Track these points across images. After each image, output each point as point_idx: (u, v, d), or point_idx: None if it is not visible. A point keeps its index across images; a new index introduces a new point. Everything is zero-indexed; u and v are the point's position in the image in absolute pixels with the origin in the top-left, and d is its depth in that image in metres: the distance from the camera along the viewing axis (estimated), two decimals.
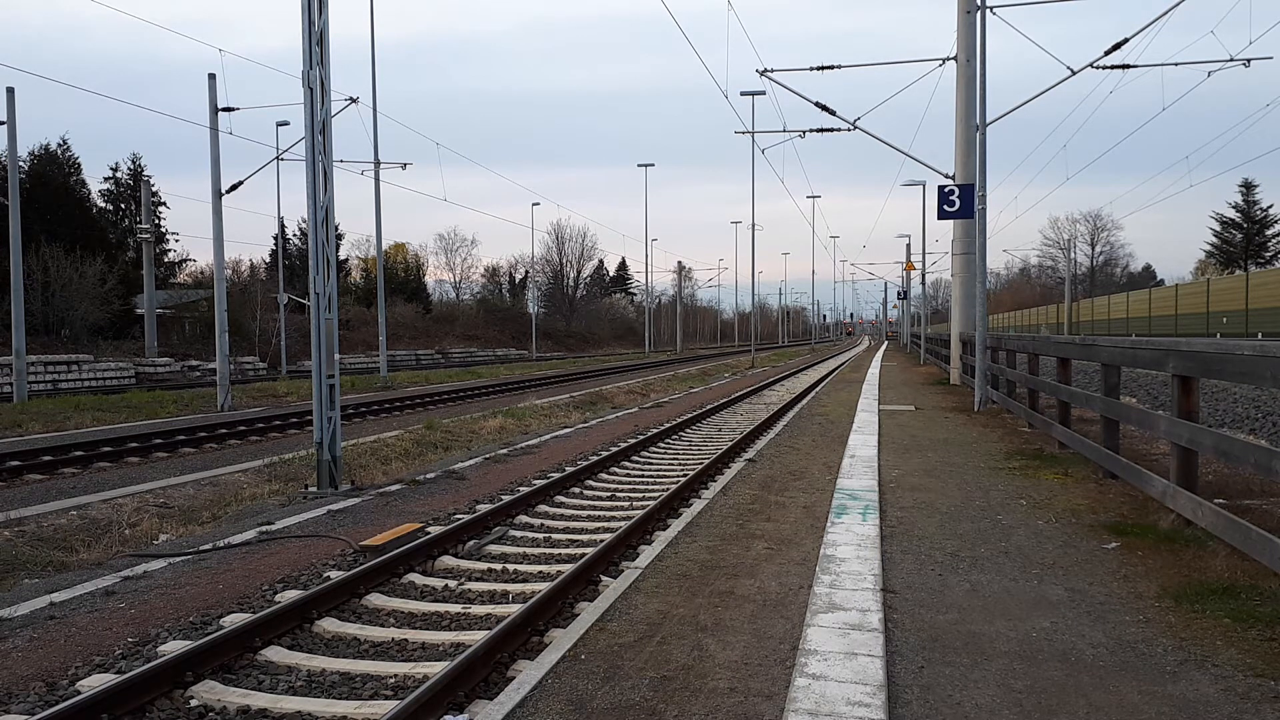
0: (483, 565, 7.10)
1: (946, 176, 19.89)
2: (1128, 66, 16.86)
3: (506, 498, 9.51)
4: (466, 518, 8.36)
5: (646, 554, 5.90)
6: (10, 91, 23.76)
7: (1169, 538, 5.90)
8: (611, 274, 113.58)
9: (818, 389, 23.05)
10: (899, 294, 59.57)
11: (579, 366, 45.83)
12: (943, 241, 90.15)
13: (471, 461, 12.23)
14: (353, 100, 27.52)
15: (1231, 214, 70.08)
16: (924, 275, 47.85)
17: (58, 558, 7.70)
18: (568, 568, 6.60)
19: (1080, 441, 8.80)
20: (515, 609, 5.64)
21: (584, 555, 6.96)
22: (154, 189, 46.41)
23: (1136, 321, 44.73)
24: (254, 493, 10.64)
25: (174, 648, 5.12)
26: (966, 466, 9.20)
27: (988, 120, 15.13)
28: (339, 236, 60.36)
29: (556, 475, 10.62)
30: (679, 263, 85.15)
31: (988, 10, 15.07)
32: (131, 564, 6.96)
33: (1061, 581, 5.11)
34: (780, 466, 9.42)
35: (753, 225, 43.44)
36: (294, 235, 59.32)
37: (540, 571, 6.93)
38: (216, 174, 21.32)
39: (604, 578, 6.50)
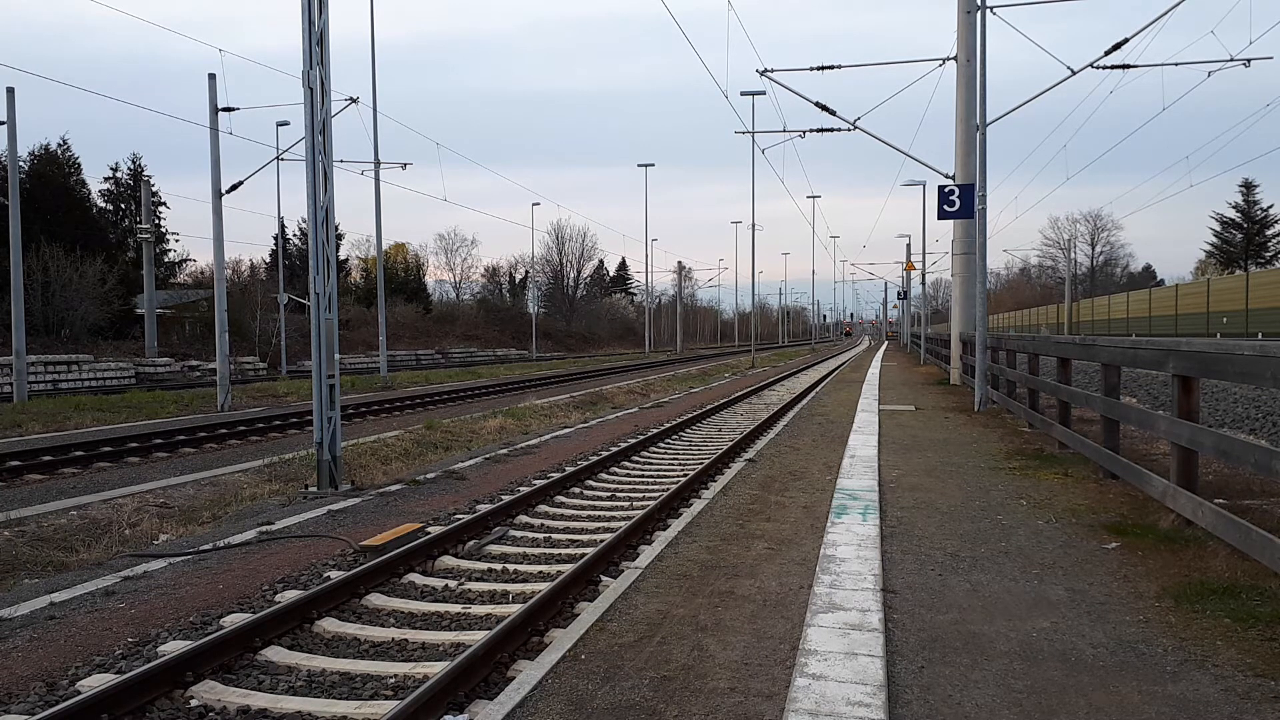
0: (483, 565, 7.10)
1: (946, 176, 19.89)
2: (1128, 66, 16.86)
3: (506, 498, 9.50)
4: (466, 518, 8.36)
5: (646, 554, 5.90)
6: (10, 91, 23.75)
7: (1169, 538, 5.90)
8: (611, 274, 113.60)
9: (818, 389, 23.04)
10: (899, 294, 59.64)
11: (579, 366, 45.82)
12: (943, 241, 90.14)
13: (471, 461, 12.23)
14: (353, 100, 27.54)
15: (1231, 214, 70.13)
16: (924, 275, 47.87)
17: (58, 558, 7.70)
18: (568, 568, 6.59)
19: (1080, 441, 8.80)
20: (515, 609, 5.64)
21: (584, 555, 6.96)
22: (154, 189, 46.44)
23: (1136, 321, 44.73)
24: (254, 493, 10.64)
25: (174, 648, 5.12)
26: (966, 466, 9.20)
27: (988, 120, 15.13)
28: (339, 236, 60.37)
29: (556, 475, 10.62)
30: (679, 263, 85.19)
31: (988, 10, 15.07)
32: (131, 564, 6.95)
33: (1061, 581, 5.11)
34: (780, 466, 9.42)
35: (753, 225, 43.46)
36: (294, 235, 59.32)
37: (540, 571, 6.93)
38: (216, 174, 21.32)
39: (604, 578, 6.50)
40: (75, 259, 36.65)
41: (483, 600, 6.28)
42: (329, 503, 9.35)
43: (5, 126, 23.73)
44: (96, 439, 14.74)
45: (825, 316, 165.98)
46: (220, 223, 21.39)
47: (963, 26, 19.59)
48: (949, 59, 19.86)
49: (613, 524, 8.45)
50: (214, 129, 21.37)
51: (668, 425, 15.92)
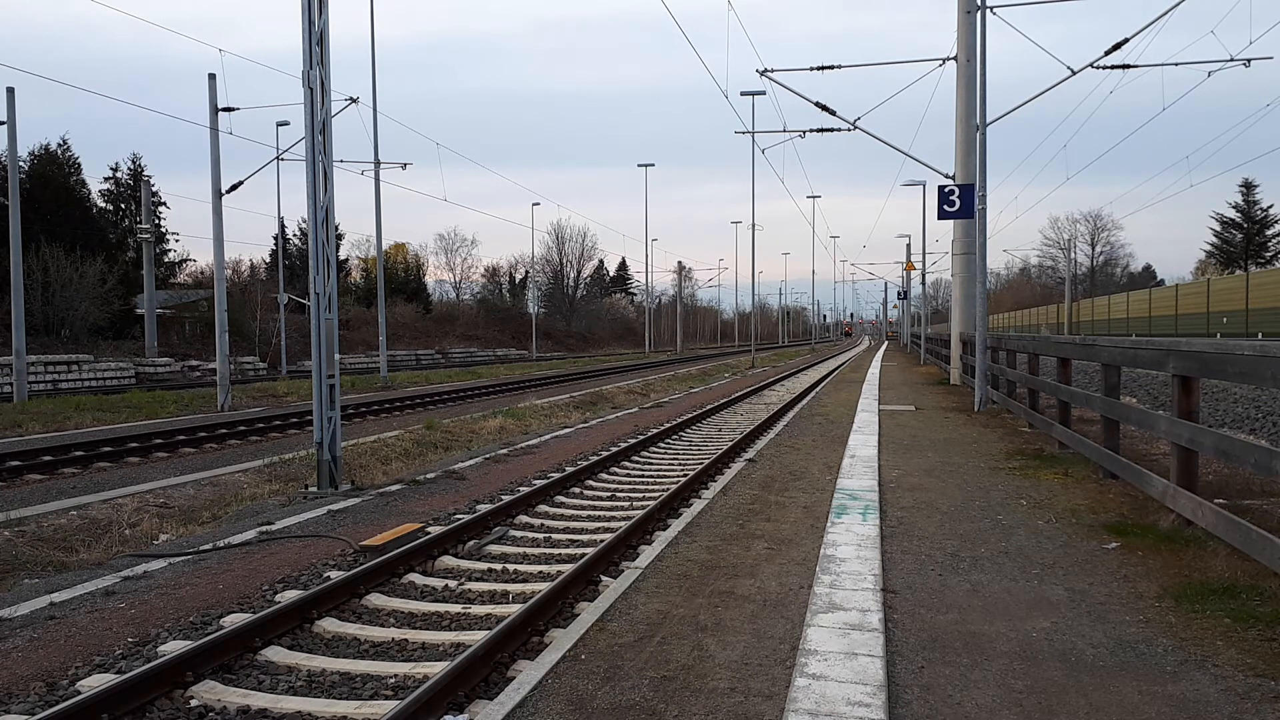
0: (483, 565, 7.10)
1: (946, 176, 19.89)
2: (1128, 66, 16.86)
3: (506, 498, 9.50)
4: (466, 518, 8.36)
5: (646, 554, 5.89)
6: (10, 91, 23.75)
7: (1169, 538, 5.90)
8: (611, 274, 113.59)
9: (818, 389, 23.04)
10: (899, 294, 59.64)
11: (579, 366, 45.82)
12: (943, 241, 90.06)
13: (471, 461, 12.23)
14: (353, 100, 27.55)
15: (1231, 214, 70.15)
16: (924, 275, 47.87)
17: (58, 558, 7.70)
18: (568, 568, 6.59)
19: (1080, 441, 8.80)
20: (515, 609, 5.64)
21: (584, 555, 6.96)
22: (154, 189, 46.44)
23: (1136, 321, 44.72)
24: (254, 493, 10.64)
25: (174, 648, 5.12)
26: (967, 466, 9.20)
27: (988, 120, 15.13)
28: (339, 236, 60.37)
29: (556, 475, 10.62)
30: (679, 263, 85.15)
31: (988, 10, 15.07)
32: (131, 564, 6.95)
33: (1062, 581, 5.11)
34: (780, 466, 9.42)
35: (753, 225, 43.44)
36: (294, 235, 59.32)
37: (540, 571, 6.93)
38: (216, 174, 21.32)
39: (604, 578, 6.50)
40: (75, 259, 36.66)
41: (483, 600, 6.28)
42: (329, 503, 9.35)
43: (5, 126, 23.73)
44: (96, 439, 14.74)
45: (825, 316, 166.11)
46: (220, 223, 21.41)
47: (963, 26, 19.59)
48: (949, 59, 19.86)
49: (613, 524, 8.45)
50: (214, 129, 21.38)
51: (668, 425, 15.92)
